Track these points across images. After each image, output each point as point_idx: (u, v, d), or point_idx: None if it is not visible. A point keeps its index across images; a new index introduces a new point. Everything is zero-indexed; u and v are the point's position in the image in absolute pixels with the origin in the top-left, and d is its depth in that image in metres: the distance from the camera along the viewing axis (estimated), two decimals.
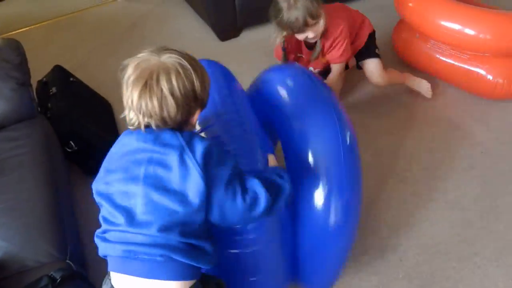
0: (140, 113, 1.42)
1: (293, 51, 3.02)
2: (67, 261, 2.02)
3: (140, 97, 1.40)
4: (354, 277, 2.33)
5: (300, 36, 2.80)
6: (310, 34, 2.77)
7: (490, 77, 3.07)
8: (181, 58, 1.45)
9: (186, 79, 1.42)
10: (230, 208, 1.47)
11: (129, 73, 1.45)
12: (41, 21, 4.29)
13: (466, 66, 3.15)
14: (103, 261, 1.55)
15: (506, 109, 3.16)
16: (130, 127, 1.49)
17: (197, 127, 1.70)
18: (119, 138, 1.58)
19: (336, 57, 2.94)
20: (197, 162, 1.41)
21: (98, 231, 1.53)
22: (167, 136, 1.45)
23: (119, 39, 3.93)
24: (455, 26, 3.00)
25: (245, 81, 3.35)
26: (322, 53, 2.96)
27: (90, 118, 2.93)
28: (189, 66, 1.44)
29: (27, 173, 2.26)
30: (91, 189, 1.57)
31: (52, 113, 2.85)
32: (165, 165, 1.42)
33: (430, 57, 3.30)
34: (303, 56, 3.04)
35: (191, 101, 1.44)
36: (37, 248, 2.00)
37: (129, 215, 1.42)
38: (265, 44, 3.68)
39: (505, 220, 2.54)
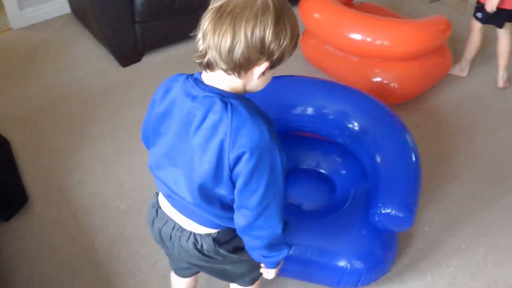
0: (204, 37, 1.31)
1: None
2: None
3: (210, 20, 1.29)
4: None
5: None
6: None
7: (386, 81, 3.30)
8: (272, 1, 1.29)
9: (259, 24, 1.27)
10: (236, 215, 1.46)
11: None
12: None
13: (367, 74, 3.36)
14: None
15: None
16: (194, 58, 1.37)
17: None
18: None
19: None
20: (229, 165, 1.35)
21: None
22: (217, 117, 1.34)
23: (16, 69, 3.76)
24: (356, 36, 3.22)
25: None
26: None
27: None
28: (272, 12, 1.28)
29: None
30: None
31: None
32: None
33: (334, 62, 3.53)
34: None
35: (255, 49, 1.28)
36: None
37: None
38: (168, 67, 3.71)
39: None
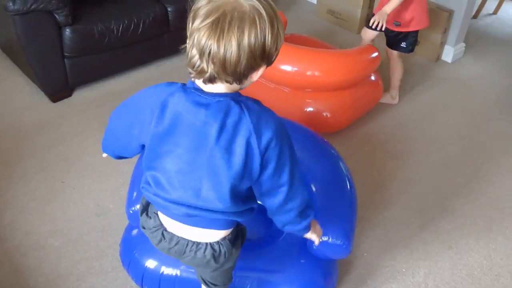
0: (202, 53, 1.29)
1: None
2: None
3: (208, 36, 1.27)
4: None
5: None
6: None
7: (318, 111, 3.32)
8: (261, 6, 1.29)
9: (259, 32, 1.29)
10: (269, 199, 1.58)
11: (202, 3, 1.31)
12: None
13: (300, 104, 3.37)
14: None
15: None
16: (189, 69, 1.36)
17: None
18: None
19: None
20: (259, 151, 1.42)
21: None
22: (235, 118, 1.39)
23: None
24: (286, 67, 3.23)
25: (86, 142, 3.29)
26: None
27: None
28: (266, 17, 1.29)
29: None
30: None
31: None
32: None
33: (266, 93, 3.48)
34: None
35: (257, 56, 1.31)
36: None
37: None
38: (99, 102, 3.65)
39: None
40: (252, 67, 1.34)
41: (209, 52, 1.28)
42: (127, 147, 1.72)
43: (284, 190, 1.53)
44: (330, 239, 2.13)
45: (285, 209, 1.60)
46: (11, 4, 3.08)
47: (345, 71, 3.28)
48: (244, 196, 1.54)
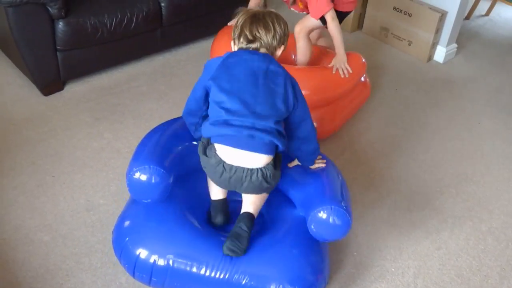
0: (251, 37, 2.22)
1: None
2: None
3: (252, 24, 2.21)
4: None
5: None
6: None
7: None
8: (273, 12, 2.29)
9: (280, 21, 2.26)
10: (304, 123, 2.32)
11: (242, 16, 2.26)
12: None
13: None
14: None
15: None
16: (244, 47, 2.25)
17: None
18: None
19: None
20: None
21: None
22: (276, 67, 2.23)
23: None
24: None
25: (77, 136, 3.28)
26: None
27: None
28: (280, 16, 2.30)
29: None
30: None
31: None
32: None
33: None
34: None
35: (281, 36, 2.26)
36: None
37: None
38: (91, 96, 3.63)
39: None
40: (279, 42, 2.27)
41: (256, 34, 2.22)
42: None
43: (309, 121, 2.31)
44: (331, 218, 2.24)
45: (311, 137, 2.35)
46: None
47: (335, 87, 3.26)
48: (281, 120, 2.21)
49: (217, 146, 2.17)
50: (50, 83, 3.62)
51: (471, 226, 2.96)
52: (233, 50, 2.31)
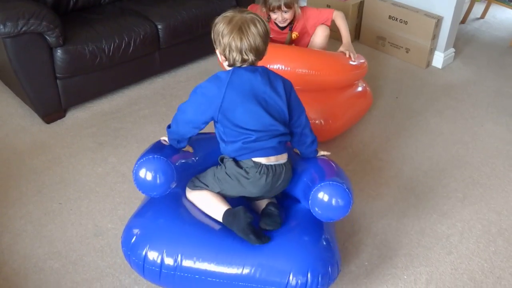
0: (242, 50, 2.21)
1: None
2: None
3: (241, 38, 2.18)
4: None
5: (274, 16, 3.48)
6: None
7: (312, 119, 3.27)
8: (254, 15, 2.25)
9: (262, 26, 2.23)
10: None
11: (223, 26, 2.21)
12: None
13: None
14: None
15: None
16: (236, 63, 2.26)
17: None
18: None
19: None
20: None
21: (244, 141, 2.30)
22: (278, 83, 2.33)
23: None
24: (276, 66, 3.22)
25: (81, 162, 3.28)
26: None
27: None
28: (261, 20, 2.25)
29: None
30: None
31: None
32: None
33: None
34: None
35: (266, 41, 2.27)
36: None
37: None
38: (93, 122, 3.64)
39: None
40: (264, 49, 2.28)
41: (248, 46, 2.20)
42: None
43: (304, 114, 2.45)
44: (330, 194, 2.31)
45: (307, 130, 2.48)
46: (1, 27, 3.08)
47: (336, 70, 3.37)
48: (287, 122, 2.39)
49: (254, 159, 2.32)
50: (51, 111, 3.63)
51: (480, 229, 2.95)
52: (224, 64, 2.35)
